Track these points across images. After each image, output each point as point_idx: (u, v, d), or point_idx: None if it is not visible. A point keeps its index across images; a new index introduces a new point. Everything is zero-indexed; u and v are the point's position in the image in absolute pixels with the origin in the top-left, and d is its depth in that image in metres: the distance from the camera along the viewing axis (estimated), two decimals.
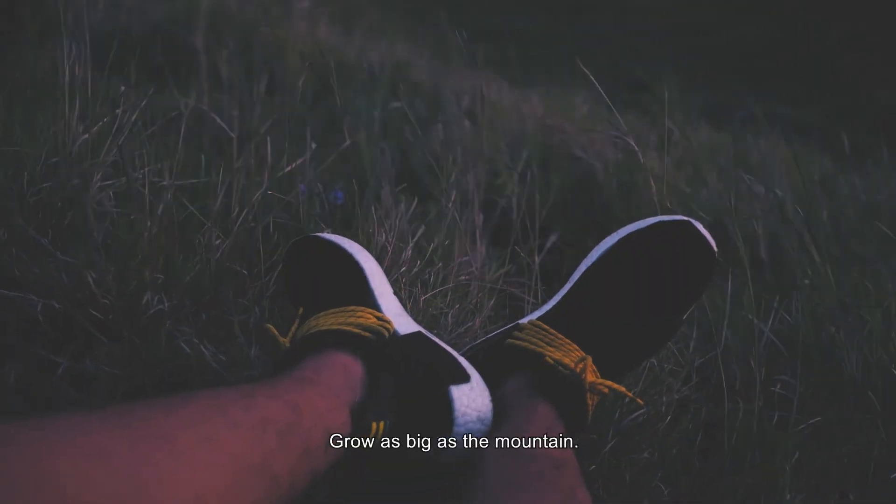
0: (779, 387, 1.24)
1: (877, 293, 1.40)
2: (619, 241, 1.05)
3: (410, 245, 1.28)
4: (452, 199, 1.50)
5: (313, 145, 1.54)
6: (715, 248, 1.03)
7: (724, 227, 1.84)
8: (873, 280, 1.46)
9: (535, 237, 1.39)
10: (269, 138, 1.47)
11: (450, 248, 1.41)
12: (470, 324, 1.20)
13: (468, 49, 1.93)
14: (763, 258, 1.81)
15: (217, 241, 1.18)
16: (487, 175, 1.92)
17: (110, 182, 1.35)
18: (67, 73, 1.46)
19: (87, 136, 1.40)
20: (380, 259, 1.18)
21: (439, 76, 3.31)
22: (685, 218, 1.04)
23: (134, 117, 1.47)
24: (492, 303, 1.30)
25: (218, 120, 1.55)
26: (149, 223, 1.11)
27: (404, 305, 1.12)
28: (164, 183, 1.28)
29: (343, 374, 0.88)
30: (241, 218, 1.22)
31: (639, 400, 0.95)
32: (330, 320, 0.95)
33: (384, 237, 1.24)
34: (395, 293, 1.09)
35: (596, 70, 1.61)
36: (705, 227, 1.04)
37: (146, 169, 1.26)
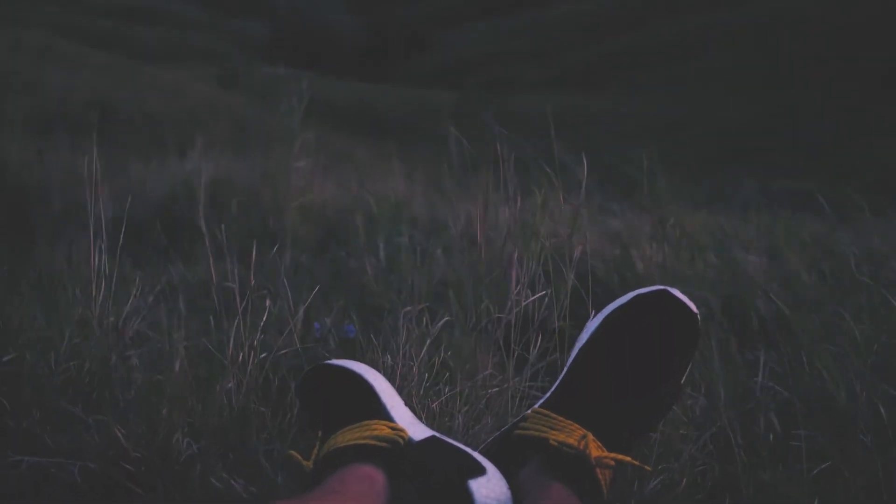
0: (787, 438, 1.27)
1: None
2: (604, 319, 1.12)
3: (416, 363, 1.34)
4: (458, 316, 1.58)
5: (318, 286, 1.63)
6: (695, 311, 1.09)
7: (724, 301, 1.90)
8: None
9: (537, 341, 1.45)
10: (279, 286, 1.56)
11: (457, 360, 1.48)
12: (484, 422, 1.26)
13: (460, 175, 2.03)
14: (755, 326, 1.86)
15: (235, 385, 1.25)
16: (487, 289, 2.00)
17: (133, 352, 1.45)
18: (79, 261, 1.57)
19: (110, 318, 1.51)
20: (390, 378, 1.25)
21: (436, 205, 3.44)
22: (662, 287, 1.10)
23: (151, 296, 1.59)
24: (506, 403, 1.36)
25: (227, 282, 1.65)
26: (172, 377, 1.20)
27: (418, 415, 1.18)
28: (184, 344, 1.37)
29: (367, 483, 0.94)
30: (251, 361, 1.30)
31: (646, 467, 1.00)
32: (347, 437, 1.01)
33: (390, 359, 1.32)
34: (408, 404, 1.16)
35: (587, 175, 1.71)
36: (703, 301, 1.10)
37: (166, 335, 1.36)
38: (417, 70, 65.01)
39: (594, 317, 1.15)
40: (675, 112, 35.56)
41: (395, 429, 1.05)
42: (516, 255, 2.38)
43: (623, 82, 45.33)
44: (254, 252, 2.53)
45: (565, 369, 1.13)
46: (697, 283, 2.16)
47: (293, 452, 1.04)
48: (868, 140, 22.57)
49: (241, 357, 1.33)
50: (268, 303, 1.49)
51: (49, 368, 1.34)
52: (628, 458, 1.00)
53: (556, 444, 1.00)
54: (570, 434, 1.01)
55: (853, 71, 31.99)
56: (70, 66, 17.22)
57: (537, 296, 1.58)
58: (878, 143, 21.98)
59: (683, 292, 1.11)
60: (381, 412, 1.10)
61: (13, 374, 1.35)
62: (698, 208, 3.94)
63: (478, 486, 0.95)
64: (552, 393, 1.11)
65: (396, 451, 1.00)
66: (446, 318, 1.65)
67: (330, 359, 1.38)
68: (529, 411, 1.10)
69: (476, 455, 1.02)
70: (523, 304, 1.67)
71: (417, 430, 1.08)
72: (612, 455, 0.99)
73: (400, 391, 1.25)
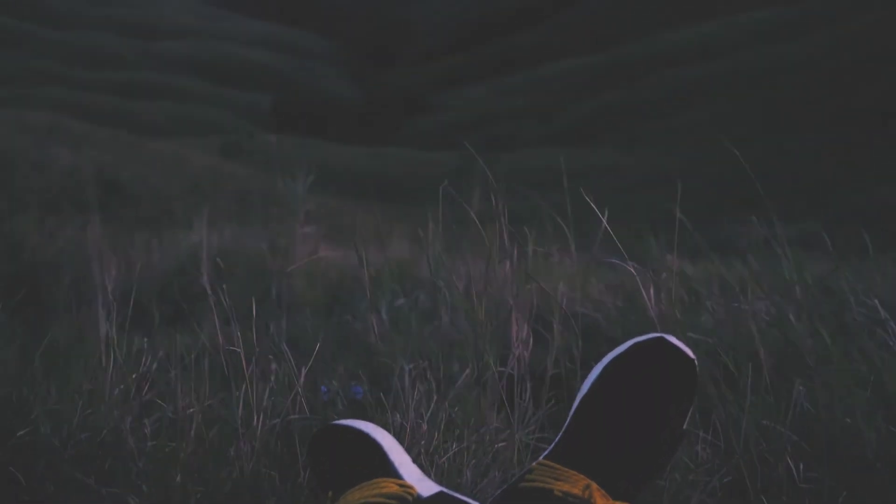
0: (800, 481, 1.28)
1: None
2: (603, 369, 1.14)
3: (424, 421, 1.36)
4: (465, 375, 1.60)
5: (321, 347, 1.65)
6: (692, 357, 1.12)
7: (725, 347, 1.92)
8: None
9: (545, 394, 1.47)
10: (285, 350, 1.59)
11: (466, 416, 1.50)
12: (492, 476, 1.28)
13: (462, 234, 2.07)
14: (764, 370, 1.87)
15: (247, 451, 1.28)
16: (489, 344, 2.02)
17: (144, 421, 1.47)
18: (90, 334, 1.61)
19: (121, 386, 1.54)
20: (398, 436, 1.27)
21: (438, 265, 3.47)
22: (659, 334, 1.13)
23: (155, 364, 1.62)
24: (512, 456, 1.37)
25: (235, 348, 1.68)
26: (185, 444, 1.22)
27: (427, 471, 1.20)
28: (192, 410, 1.39)
29: None
30: (260, 426, 1.32)
31: None
32: (357, 496, 1.03)
33: (398, 417, 1.34)
34: (416, 460, 1.18)
35: (590, 230, 1.75)
36: (703, 347, 1.12)
37: (176, 402, 1.39)
38: (417, 132, 65.81)
39: (595, 366, 1.17)
40: (673, 162, 35.85)
41: (404, 486, 1.06)
42: (516, 309, 2.41)
43: (620, 135, 45.81)
44: (258, 316, 2.57)
45: (568, 420, 1.15)
46: (698, 330, 2.18)
47: None
48: (867, 178, 22.71)
49: (252, 422, 1.35)
50: (273, 367, 1.52)
51: (62, 441, 1.36)
52: None
53: (560, 494, 1.01)
54: (575, 484, 1.02)
55: (848, 112, 32.32)
56: (76, 144, 17.47)
57: (529, 339, 1.60)
58: (877, 181, 22.10)
59: (682, 340, 1.13)
60: (390, 470, 1.12)
61: (27, 447, 1.37)
62: (699, 256, 3.97)
63: None
64: (556, 444, 1.13)
65: None
66: (451, 375, 1.68)
67: (338, 420, 1.40)
68: (534, 463, 1.12)
69: None
70: (525, 357, 1.69)
71: (426, 487, 1.10)
72: (617, 503, 1.01)
73: (408, 449, 1.27)
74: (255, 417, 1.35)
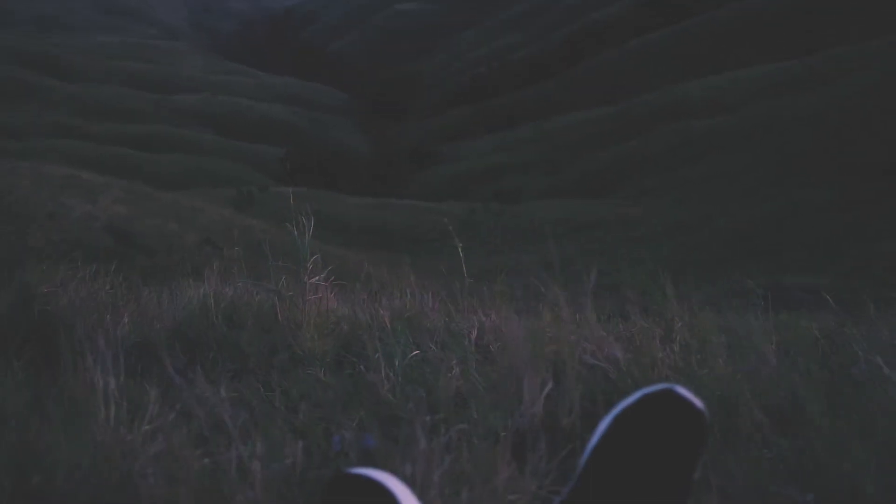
0: None
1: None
2: (613, 420, 1.15)
3: (437, 472, 1.37)
4: (474, 424, 1.61)
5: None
6: (702, 409, 1.13)
7: (733, 400, 1.93)
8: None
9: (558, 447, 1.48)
10: (298, 402, 1.61)
11: (478, 467, 1.50)
12: None
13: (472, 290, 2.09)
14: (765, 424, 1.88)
15: (255, 497, 1.28)
16: (501, 397, 2.03)
17: (151, 470, 1.48)
18: (102, 384, 1.63)
19: (131, 435, 1.55)
20: (410, 486, 1.28)
21: (449, 316, 3.49)
22: (668, 385, 1.14)
23: (167, 413, 1.64)
24: None
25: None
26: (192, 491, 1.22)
27: None
28: (205, 461, 1.41)
29: None
30: (272, 475, 1.33)
31: None
32: None
33: (410, 468, 1.35)
34: None
35: (602, 282, 1.77)
36: (711, 400, 1.13)
37: (185, 451, 1.40)
38: (427, 184, 66.21)
39: (605, 417, 1.18)
40: (683, 214, 35.92)
41: None
42: (527, 360, 2.43)
43: (629, 187, 45.97)
44: (269, 368, 2.59)
45: (578, 471, 1.16)
46: (707, 381, 2.19)
47: None
48: (875, 233, 22.68)
49: (263, 470, 1.36)
50: (285, 418, 1.53)
51: (75, 487, 1.38)
52: None
53: None
54: None
55: (856, 166, 32.40)
56: (90, 195, 17.67)
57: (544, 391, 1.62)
58: (886, 236, 22.06)
59: (692, 390, 1.14)
60: None
61: (40, 495, 1.39)
62: (709, 308, 3.97)
63: None
64: (567, 495, 1.13)
65: None
66: (463, 426, 1.69)
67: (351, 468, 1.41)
68: None
69: None
70: (536, 409, 1.70)
71: None
72: None
73: (420, 499, 1.27)
74: (266, 466, 1.36)
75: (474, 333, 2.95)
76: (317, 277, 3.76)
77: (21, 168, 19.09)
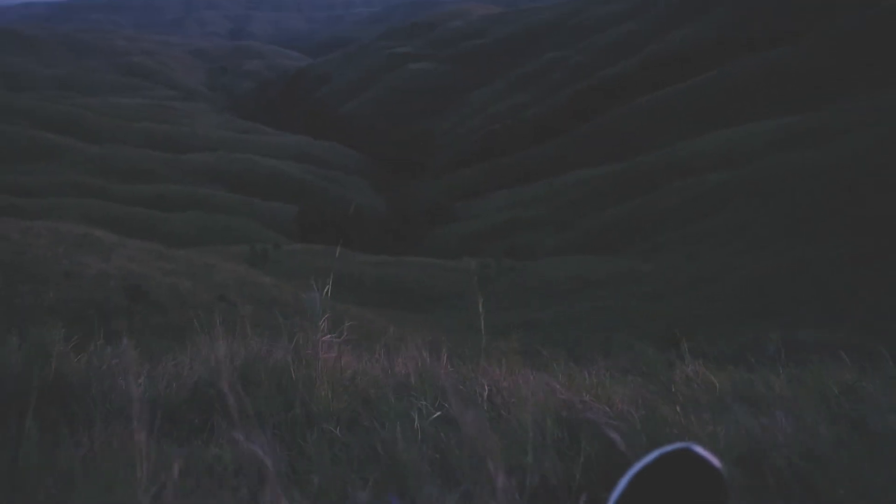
0: None
1: None
2: (631, 480, 1.16)
3: None
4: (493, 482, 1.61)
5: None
6: (719, 467, 1.13)
7: (750, 458, 1.91)
8: None
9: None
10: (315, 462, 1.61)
11: None
12: None
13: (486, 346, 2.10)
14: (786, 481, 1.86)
15: None
16: (516, 455, 2.03)
17: None
18: (119, 445, 1.64)
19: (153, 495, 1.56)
20: None
21: (463, 375, 3.49)
22: (685, 444, 1.15)
23: (186, 475, 1.65)
24: None
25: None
26: None
27: None
28: None
29: None
30: None
31: None
32: None
33: None
34: None
35: (615, 340, 1.78)
36: (728, 458, 1.13)
37: None
38: (440, 241, 66.45)
39: (622, 477, 1.18)
40: (696, 269, 35.81)
41: None
42: (542, 420, 2.43)
43: (640, 243, 45.95)
44: (285, 427, 2.59)
45: None
46: (722, 440, 2.17)
47: None
48: (890, 286, 22.52)
49: None
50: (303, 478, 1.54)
51: None
52: None
53: None
54: None
55: (867, 219, 32.34)
56: (106, 254, 17.82)
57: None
58: None
59: (708, 449, 1.15)
60: None
61: None
62: (726, 363, 3.96)
63: None
64: None
65: None
66: (479, 485, 1.68)
67: None
68: None
69: None
70: (550, 468, 1.70)
71: None
72: None
73: None
74: None
75: (487, 391, 2.95)
76: (331, 335, 3.77)
77: (38, 227, 19.30)
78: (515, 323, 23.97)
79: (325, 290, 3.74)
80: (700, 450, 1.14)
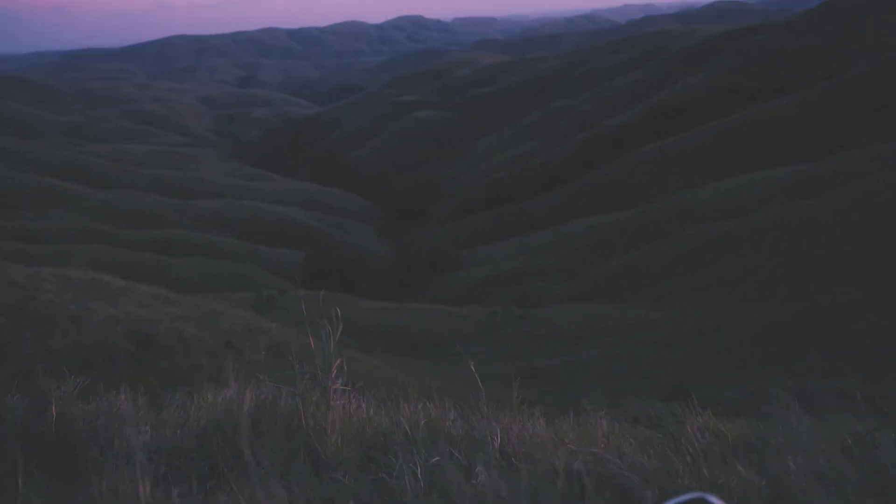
0: None
1: None
2: None
3: None
4: None
5: None
6: None
7: None
8: None
9: None
10: None
11: None
12: None
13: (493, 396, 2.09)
14: None
15: None
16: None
17: None
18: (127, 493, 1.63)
19: None
20: None
21: (471, 424, 3.46)
22: (699, 494, 1.13)
23: None
24: None
25: None
26: None
27: None
28: None
29: None
30: None
31: None
32: None
33: None
34: None
35: (624, 386, 1.77)
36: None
37: None
38: (446, 288, 66.44)
39: None
40: (704, 316, 35.69)
41: None
42: (552, 469, 2.40)
43: (649, 290, 45.86)
44: (294, 475, 2.57)
45: None
46: (734, 490, 2.15)
47: None
48: None
49: None
50: None
51: None
52: None
53: None
54: None
55: (878, 266, 32.24)
56: (113, 299, 17.85)
57: None
58: None
59: (722, 499, 1.13)
60: None
61: None
62: (737, 413, 3.92)
63: None
64: None
65: None
66: None
67: None
68: None
69: None
70: None
71: None
72: None
73: None
74: None
75: (497, 440, 2.93)
76: (339, 383, 3.76)
77: (45, 272, 19.37)
78: (524, 370, 23.84)
79: (335, 336, 3.73)
80: (714, 499, 1.13)
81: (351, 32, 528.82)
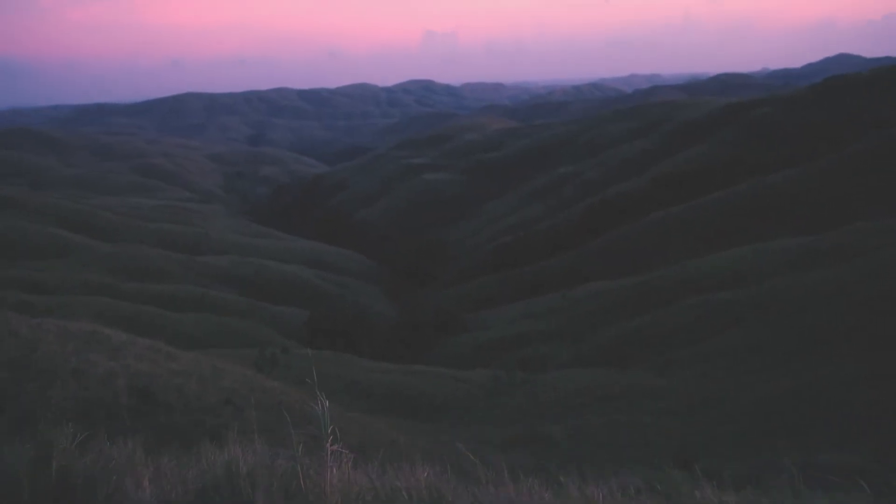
0: None
1: None
2: None
3: None
4: None
5: None
6: None
7: None
8: None
9: None
10: None
11: None
12: None
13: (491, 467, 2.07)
14: None
15: None
16: None
17: None
18: None
19: None
20: None
21: (473, 494, 3.41)
22: None
23: None
24: None
25: None
26: None
27: None
28: None
29: None
30: None
31: None
32: None
33: None
34: None
35: (629, 455, 1.76)
36: None
37: None
38: (450, 351, 66.09)
39: None
40: (709, 386, 35.35)
41: None
42: None
43: (653, 358, 45.56)
44: None
45: None
46: None
47: None
48: None
49: None
50: None
51: None
52: None
53: None
54: None
55: (884, 340, 32.05)
56: (114, 353, 17.78)
57: None
58: None
59: None
60: None
61: None
62: (742, 485, 3.87)
63: None
64: None
65: None
66: None
67: None
68: None
69: None
70: None
71: None
72: None
73: None
74: None
75: None
76: (338, 445, 3.72)
77: (47, 323, 19.35)
78: (527, 436, 23.57)
79: (333, 399, 3.71)
80: None
81: (361, 94, 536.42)
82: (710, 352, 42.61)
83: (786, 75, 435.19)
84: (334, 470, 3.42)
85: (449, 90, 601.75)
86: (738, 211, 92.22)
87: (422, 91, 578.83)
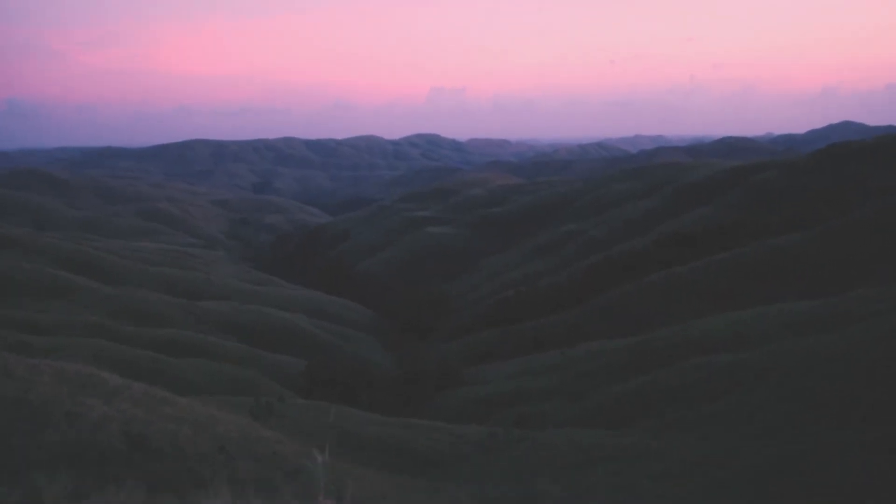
0: None
1: None
2: None
3: None
4: None
5: None
6: None
7: None
8: None
9: None
10: None
11: None
12: None
13: None
14: None
15: None
16: None
17: None
18: None
19: None
20: None
21: None
22: None
23: None
24: None
25: None
26: None
27: None
28: None
29: None
30: None
31: None
32: None
33: None
34: None
35: None
36: None
37: None
38: (448, 405, 65.61)
39: None
40: (708, 450, 34.95)
41: None
42: None
43: (651, 419, 45.16)
44: None
45: None
46: None
47: None
48: None
49: None
50: None
51: None
52: None
53: None
54: None
55: (890, 406, 31.76)
56: (109, 397, 17.65)
57: None
58: None
59: None
60: None
61: None
62: None
63: None
64: None
65: None
66: None
67: None
68: None
69: None
70: None
71: None
72: None
73: None
74: None
75: None
76: (332, 500, 3.65)
77: (43, 365, 19.24)
78: (522, 495, 23.25)
79: (326, 452, 3.66)
80: None
81: (367, 146, 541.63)
82: (709, 415, 42.22)
83: (789, 140, 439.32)
84: None
85: (454, 145, 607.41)
86: (741, 273, 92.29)
87: (428, 145, 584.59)
